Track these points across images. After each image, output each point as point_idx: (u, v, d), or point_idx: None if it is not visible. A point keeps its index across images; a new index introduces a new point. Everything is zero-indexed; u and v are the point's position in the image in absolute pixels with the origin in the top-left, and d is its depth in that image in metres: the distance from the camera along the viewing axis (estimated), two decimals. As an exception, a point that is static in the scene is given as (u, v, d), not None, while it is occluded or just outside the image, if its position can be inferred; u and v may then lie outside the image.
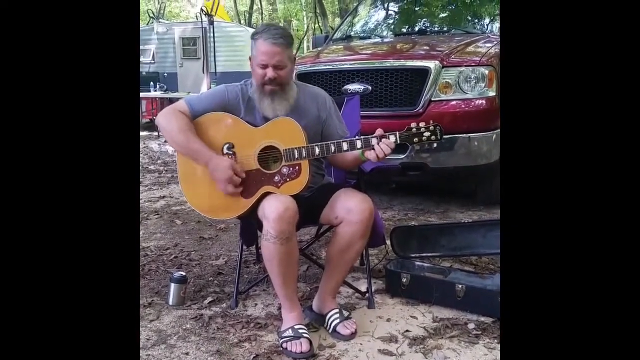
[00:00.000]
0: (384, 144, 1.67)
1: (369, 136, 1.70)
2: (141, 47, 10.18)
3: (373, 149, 1.68)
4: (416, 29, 4.22)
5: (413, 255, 2.25)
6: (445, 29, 4.10)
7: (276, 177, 1.76)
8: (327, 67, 3.37)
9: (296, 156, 1.73)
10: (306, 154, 1.73)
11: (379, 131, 1.69)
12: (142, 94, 7.76)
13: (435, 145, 1.69)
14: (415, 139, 1.69)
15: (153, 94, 8.13)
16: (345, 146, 1.72)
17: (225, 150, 1.79)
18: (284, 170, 1.75)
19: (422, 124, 1.70)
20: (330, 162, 1.99)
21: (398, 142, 1.69)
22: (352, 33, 4.43)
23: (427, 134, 1.69)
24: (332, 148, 1.72)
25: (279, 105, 1.80)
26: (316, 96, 1.92)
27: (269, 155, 1.78)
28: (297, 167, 1.75)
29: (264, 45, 1.74)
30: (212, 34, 8.53)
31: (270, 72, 1.75)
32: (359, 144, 1.70)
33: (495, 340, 1.72)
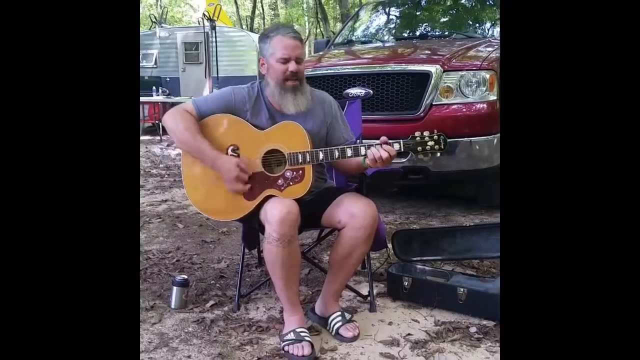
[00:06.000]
0: (384, 149, 1.67)
1: (373, 143, 1.70)
2: (144, 51, 10.23)
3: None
4: (417, 33, 4.23)
5: (415, 258, 2.25)
6: (446, 33, 4.11)
7: (279, 181, 1.77)
8: (329, 71, 3.37)
9: (300, 161, 1.74)
10: (310, 158, 1.73)
11: (383, 139, 1.70)
12: (144, 99, 7.77)
13: (438, 154, 1.70)
14: (419, 148, 1.69)
15: (155, 98, 8.16)
16: (349, 152, 1.72)
17: (229, 153, 1.80)
18: (288, 174, 1.76)
19: (426, 133, 1.70)
20: (333, 167, 1.99)
21: (402, 150, 1.69)
22: (353, 37, 4.44)
23: (431, 143, 1.69)
24: (336, 153, 1.73)
25: (301, 100, 1.81)
26: (323, 100, 1.93)
27: (272, 158, 1.79)
28: (300, 172, 1.75)
29: (285, 40, 1.76)
30: (214, 39, 8.57)
31: (292, 66, 1.76)
32: (362, 150, 1.71)
33: (497, 344, 1.72)
